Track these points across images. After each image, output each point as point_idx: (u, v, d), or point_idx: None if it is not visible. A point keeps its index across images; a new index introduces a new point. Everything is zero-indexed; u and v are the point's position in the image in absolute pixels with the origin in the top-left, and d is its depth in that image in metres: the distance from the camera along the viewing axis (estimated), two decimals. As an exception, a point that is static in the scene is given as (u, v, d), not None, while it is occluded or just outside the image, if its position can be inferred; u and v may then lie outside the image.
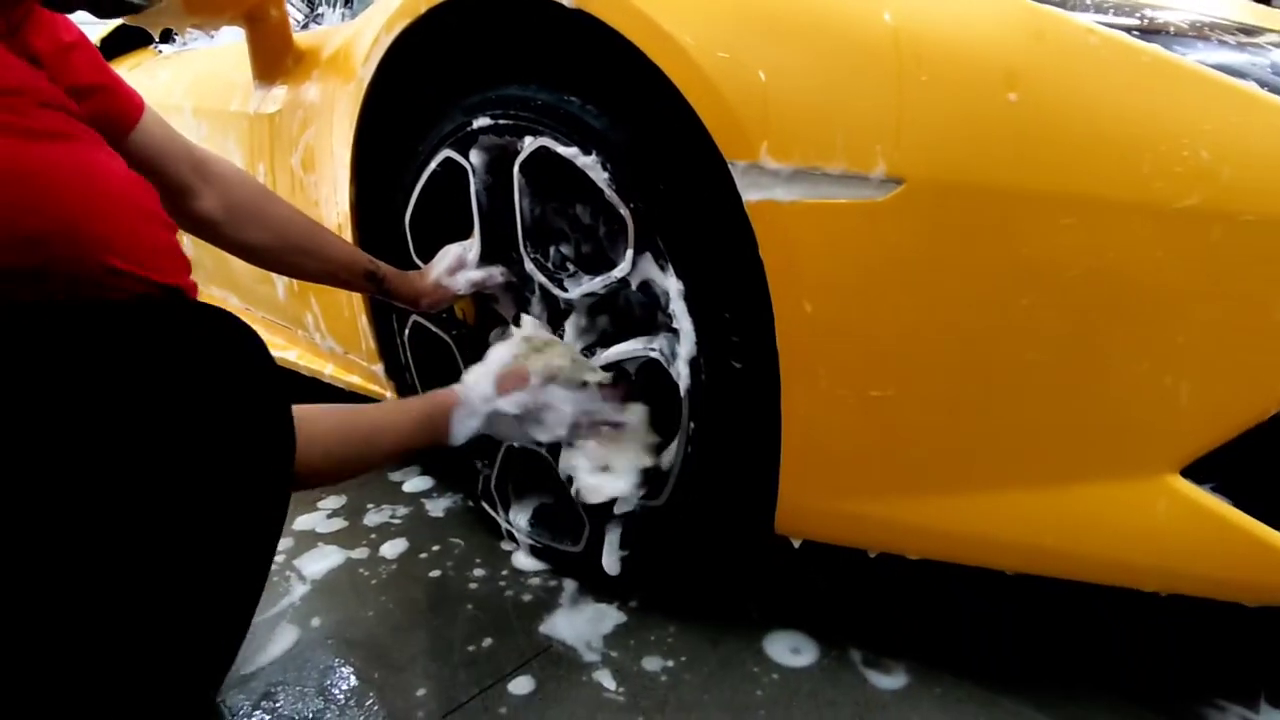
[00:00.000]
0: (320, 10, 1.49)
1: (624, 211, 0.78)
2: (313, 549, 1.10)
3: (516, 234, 0.91)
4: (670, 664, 0.84)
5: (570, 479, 0.89)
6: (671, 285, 0.77)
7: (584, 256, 0.93)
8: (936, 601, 0.92)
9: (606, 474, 0.86)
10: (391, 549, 1.09)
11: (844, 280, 0.67)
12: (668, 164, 0.78)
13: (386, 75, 1.00)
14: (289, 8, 1.29)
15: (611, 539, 0.90)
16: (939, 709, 0.76)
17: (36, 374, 0.45)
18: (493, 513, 1.08)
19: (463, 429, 0.83)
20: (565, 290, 0.88)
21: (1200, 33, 0.67)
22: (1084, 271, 0.60)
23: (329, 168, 1.13)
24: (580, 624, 0.91)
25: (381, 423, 0.77)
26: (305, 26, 1.51)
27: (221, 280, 1.69)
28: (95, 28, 2.16)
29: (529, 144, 0.85)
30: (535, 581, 1.00)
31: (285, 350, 1.48)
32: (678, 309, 0.77)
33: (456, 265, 0.99)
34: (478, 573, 1.03)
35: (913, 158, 0.62)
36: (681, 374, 0.79)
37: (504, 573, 1.02)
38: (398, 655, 0.88)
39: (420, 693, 0.82)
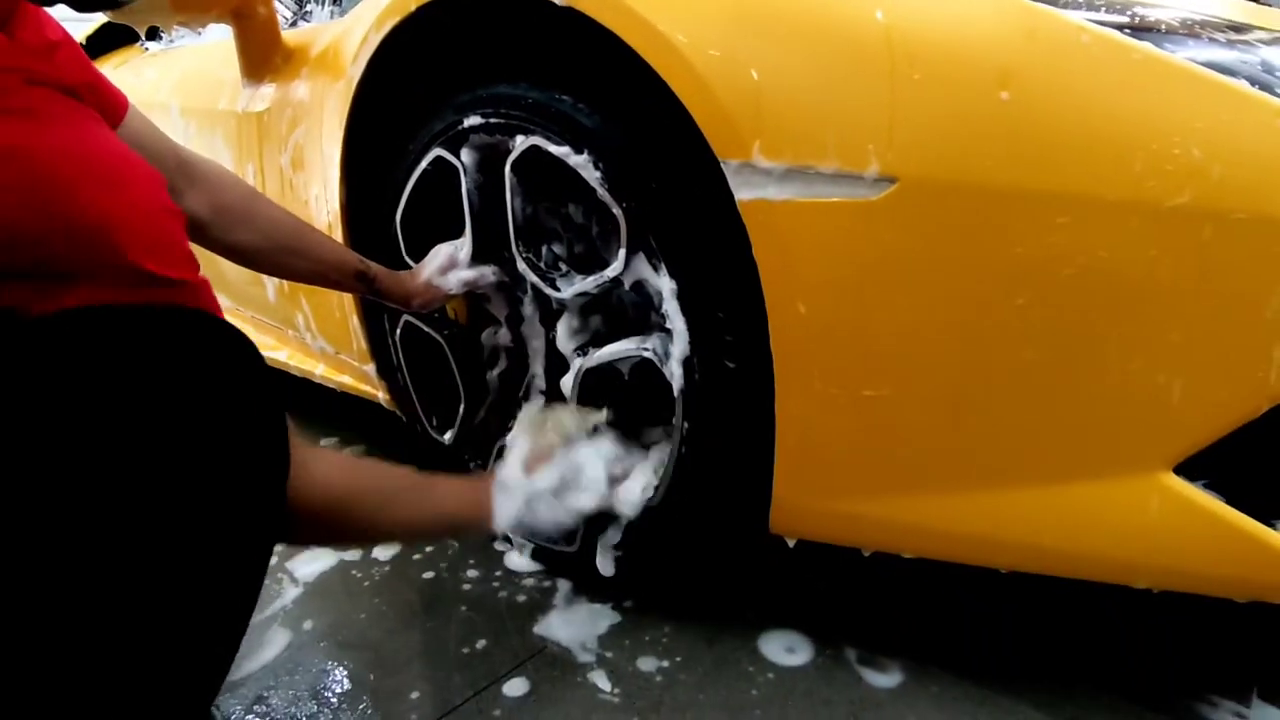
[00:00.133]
0: (308, 8, 1.48)
1: (616, 211, 0.78)
2: (305, 551, 1.09)
3: (508, 233, 0.91)
4: (665, 664, 0.84)
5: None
6: (664, 285, 0.77)
7: (576, 256, 0.93)
8: (931, 600, 0.92)
9: (630, 481, 0.86)
10: (384, 550, 1.09)
11: (838, 279, 0.67)
12: (660, 163, 0.77)
13: (376, 73, 0.99)
14: (277, 5, 1.28)
15: (605, 539, 0.90)
16: (934, 707, 0.76)
17: (25, 386, 0.44)
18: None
19: (505, 510, 0.79)
20: (558, 290, 0.88)
21: (1191, 30, 0.67)
22: (1077, 270, 0.60)
23: (319, 166, 1.12)
24: (575, 625, 0.91)
25: (405, 483, 0.74)
26: (294, 24, 1.50)
27: (211, 280, 1.68)
28: (81, 25, 2.14)
29: (520, 143, 0.85)
30: (529, 582, 1.00)
31: (276, 351, 1.47)
32: (671, 309, 0.77)
33: (448, 265, 0.98)
34: (471, 573, 1.02)
35: (906, 156, 0.62)
36: (675, 374, 0.78)
37: (498, 573, 1.02)
38: (391, 658, 0.87)
39: (414, 695, 0.81)
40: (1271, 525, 0.60)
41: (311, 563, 1.06)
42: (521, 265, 0.91)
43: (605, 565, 0.90)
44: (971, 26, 0.62)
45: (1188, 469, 0.62)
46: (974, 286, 0.63)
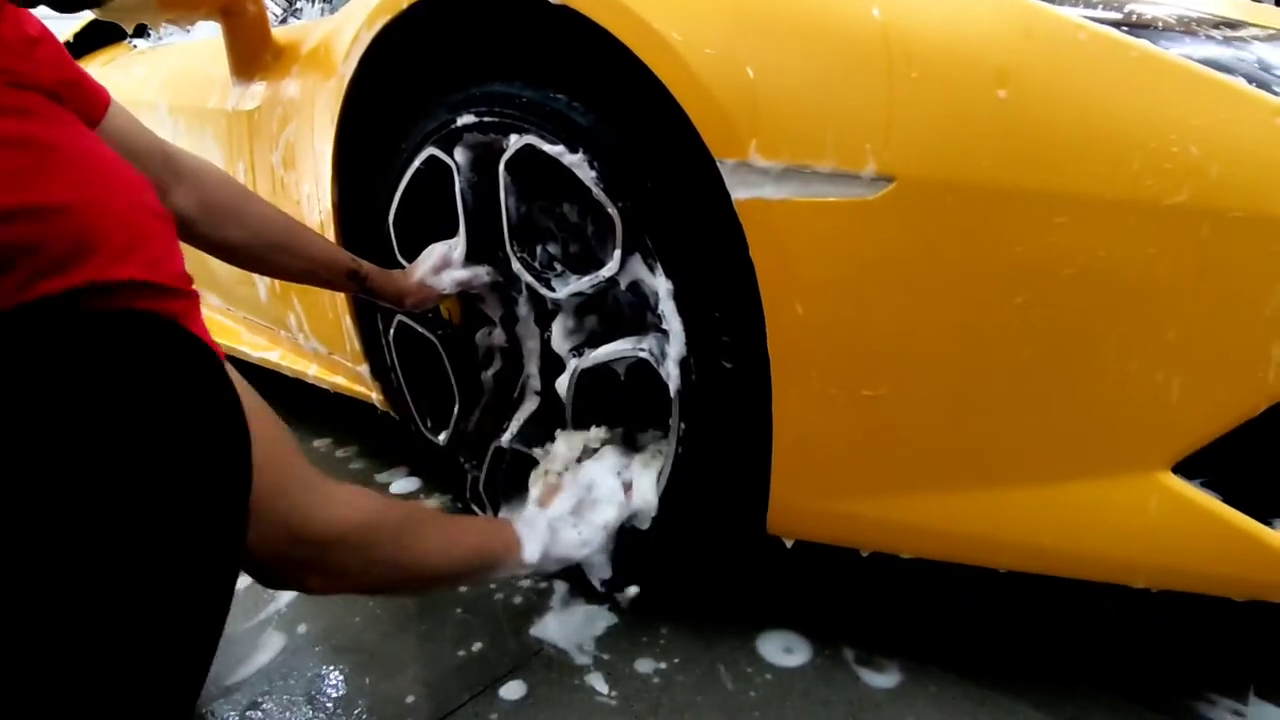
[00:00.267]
0: (299, 5, 1.47)
1: (612, 210, 0.77)
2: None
3: (503, 233, 0.90)
4: (663, 666, 0.83)
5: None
6: (660, 285, 0.76)
7: (571, 256, 0.92)
8: (929, 599, 0.92)
9: (638, 482, 0.86)
10: (379, 552, 1.08)
11: (835, 279, 0.66)
12: (656, 162, 0.77)
13: (368, 71, 0.98)
14: (267, 2, 1.27)
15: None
16: (933, 707, 0.76)
17: None
18: (482, 515, 1.07)
19: (532, 542, 0.78)
20: (552, 290, 0.87)
21: (1187, 28, 0.67)
22: (1075, 270, 0.59)
23: (310, 165, 1.11)
24: (571, 626, 0.90)
25: (429, 516, 0.73)
26: (284, 21, 1.49)
27: (202, 280, 1.66)
28: (69, 23, 2.12)
29: (514, 142, 0.84)
30: (525, 583, 0.99)
31: (268, 351, 1.46)
32: (667, 309, 0.76)
33: (441, 264, 0.97)
34: (467, 575, 1.02)
35: (903, 156, 0.62)
36: (671, 374, 0.78)
37: (493, 575, 1.01)
38: (387, 661, 0.87)
39: (410, 699, 0.81)
40: (1270, 524, 0.60)
41: (305, 565, 1.05)
42: (516, 265, 0.90)
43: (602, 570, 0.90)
44: (969, 24, 0.62)
45: (1185, 468, 0.62)
46: (972, 286, 0.62)
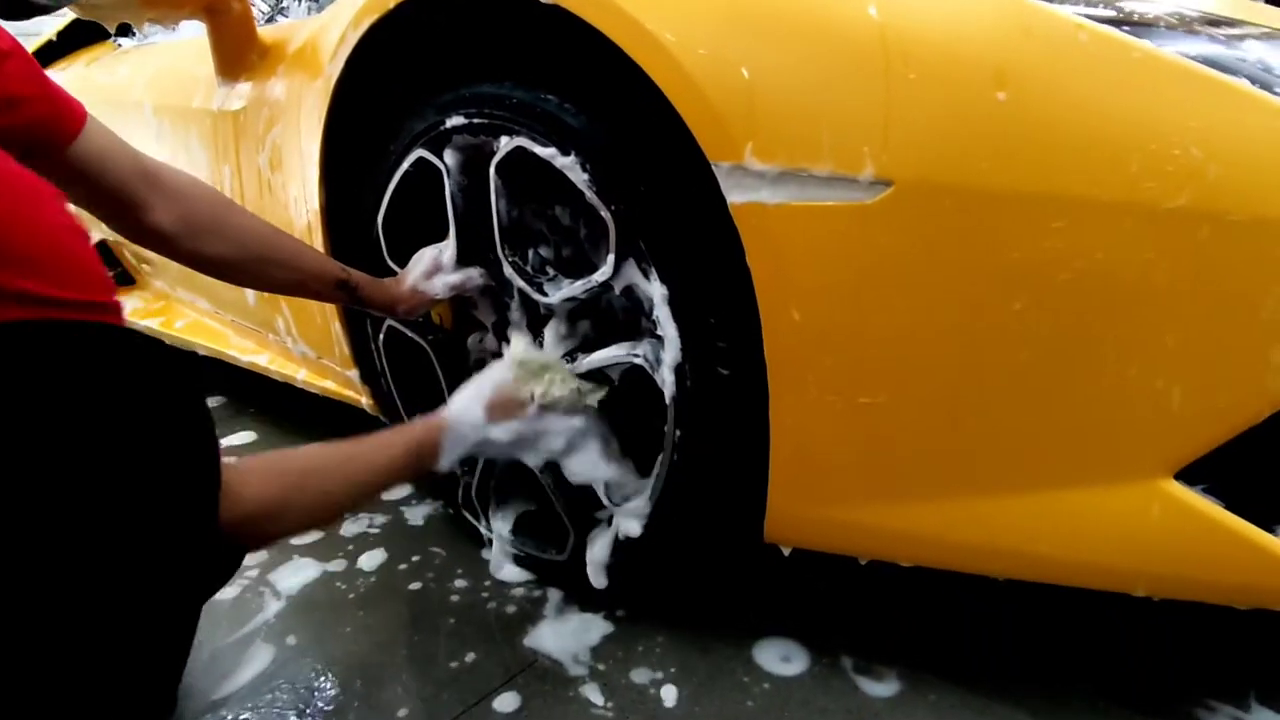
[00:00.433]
0: (285, 4, 1.44)
1: (605, 214, 0.76)
2: (288, 562, 1.07)
3: (494, 237, 0.89)
4: (659, 675, 0.82)
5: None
6: (655, 290, 0.75)
7: (564, 260, 0.91)
8: (928, 607, 0.91)
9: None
10: (370, 560, 1.06)
11: (833, 284, 0.65)
12: (650, 165, 0.75)
13: (355, 72, 0.97)
14: (253, 0, 1.25)
15: (596, 549, 0.88)
16: (932, 716, 0.75)
17: None
18: (474, 521, 1.06)
19: (450, 456, 0.81)
20: (545, 295, 0.86)
21: (1188, 27, 0.66)
22: (1074, 274, 0.58)
23: (298, 167, 1.09)
24: (566, 635, 0.89)
25: (358, 456, 0.74)
26: (270, 19, 1.47)
27: (188, 284, 1.64)
28: (52, 23, 2.09)
29: (505, 144, 0.83)
30: (519, 592, 0.98)
31: (256, 355, 1.44)
32: (662, 314, 0.75)
33: (433, 269, 0.96)
34: (459, 584, 1.00)
35: (901, 159, 0.60)
36: (666, 381, 0.77)
37: (486, 583, 1.00)
38: (378, 673, 0.85)
39: (402, 713, 0.79)
40: (1273, 531, 0.60)
41: (294, 575, 1.04)
42: (508, 269, 0.89)
43: (597, 578, 0.88)
44: (968, 24, 0.61)
45: (1186, 474, 0.61)
46: (971, 291, 0.61)
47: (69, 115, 0.69)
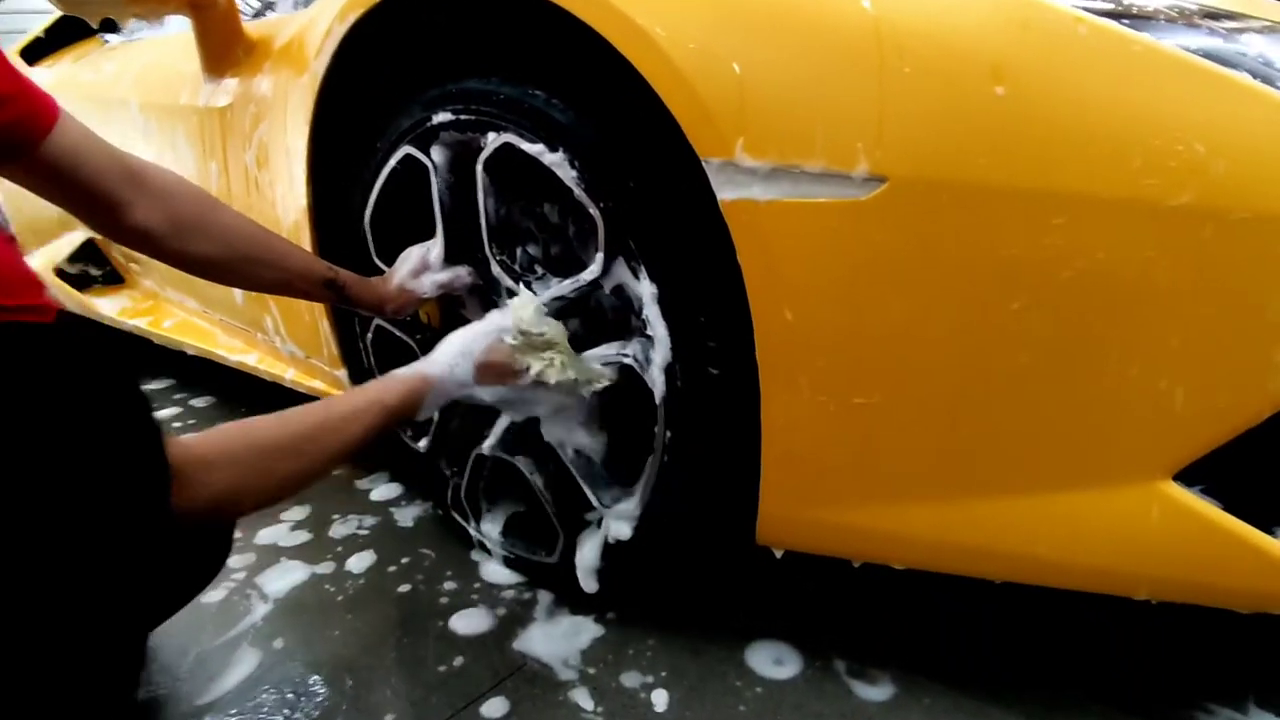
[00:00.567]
0: (273, -2, 1.42)
1: (594, 211, 0.74)
2: (275, 564, 1.05)
3: (481, 235, 0.87)
4: (650, 679, 0.81)
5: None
6: (645, 289, 0.73)
7: (553, 258, 0.89)
8: (922, 609, 0.90)
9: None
10: (359, 562, 1.05)
11: (825, 283, 0.64)
12: (639, 162, 0.74)
13: (341, 67, 0.95)
14: (239, -5, 1.23)
15: (586, 551, 0.87)
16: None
17: None
18: (463, 523, 1.04)
19: (431, 409, 0.82)
20: (533, 294, 0.84)
21: (1188, 20, 0.65)
22: (1074, 273, 0.57)
23: (284, 164, 1.07)
24: (556, 639, 0.88)
25: (329, 428, 0.72)
26: (259, 15, 1.45)
27: (176, 283, 1.62)
28: (36, 20, 2.06)
29: (492, 140, 0.81)
30: (509, 594, 0.96)
31: (245, 354, 1.42)
32: (651, 314, 0.73)
33: (420, 267, 0.94)
34: (449, 586, 0.99)
35: (896, 155, 0.59)
36: (656, 381, 0.75)
37: (476, 586, 0.99)
38: (366, 676, 0.84)
39: (390, 717, 0.78)
40: (1273, 533, 0.59)
41: (282, 577, 1.02)
42: (496, 268, 0.88)
43: (588, 582, 0.87)
44: (964, 17, 0.59)
45: (1184, 475, 0.60)
46: (967, 290, 0.60)
47: (42, 112, 0.68)
